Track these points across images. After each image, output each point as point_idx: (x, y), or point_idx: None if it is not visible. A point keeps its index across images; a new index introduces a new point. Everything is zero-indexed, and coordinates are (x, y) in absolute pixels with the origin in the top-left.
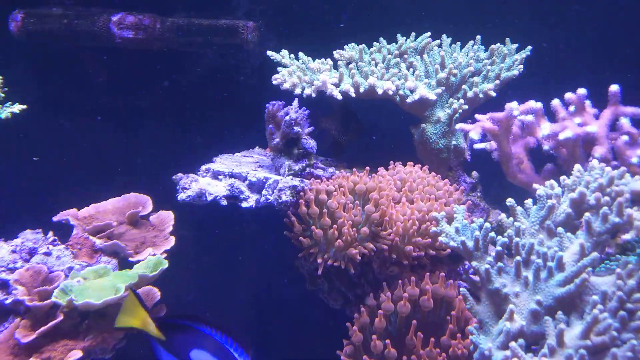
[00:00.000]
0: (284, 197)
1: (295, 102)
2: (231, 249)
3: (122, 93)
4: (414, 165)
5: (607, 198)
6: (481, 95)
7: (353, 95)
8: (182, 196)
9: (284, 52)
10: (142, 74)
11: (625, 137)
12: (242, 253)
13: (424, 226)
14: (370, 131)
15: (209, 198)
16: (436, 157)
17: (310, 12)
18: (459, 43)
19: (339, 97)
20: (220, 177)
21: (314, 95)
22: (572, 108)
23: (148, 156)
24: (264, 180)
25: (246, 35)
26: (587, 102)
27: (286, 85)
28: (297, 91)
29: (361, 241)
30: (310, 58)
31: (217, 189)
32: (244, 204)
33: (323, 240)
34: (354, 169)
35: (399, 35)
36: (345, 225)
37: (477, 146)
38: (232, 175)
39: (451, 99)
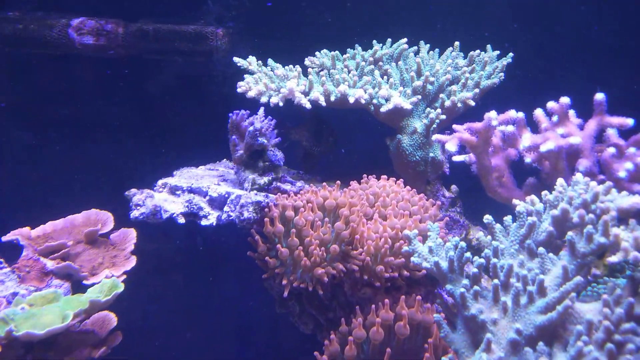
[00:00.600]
0: (246, 214)
1: (261, 111)
2: (192, 269)
3: (83, 102)
4: (388, 179)
5: (591, 216)
6: (460, 105)
7: (323, 104)
8: (135, 214)
9: (251, 58)
10: (105, 82)
11: (612, 150)
12: (204, 274)
13: (397, 244)
14: (346, 142)
15: (165, 216)
16: (413, 170)
17: (287, 18)
18: (437, 50)
19: (308, 105)
20: (178, 192)
21: (281, 104)
22: (555, 118)
23: (111, 169)
24: (226, 195)
25: (215, 42)
26: (571, 112)
27: (251, 94)
28: (263, 100)
29: (330, 261)
30: (280, 65)
31: (174, 206)
32: (204, 222)
33: (289, 260)
34: (324, 184)
35: (374, 41)
36: (312, 244)
37: (456, 158)
38: (191, 191)
39: (428, 109)
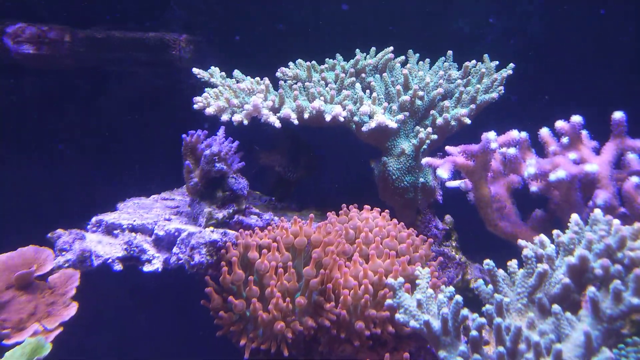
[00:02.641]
0: (197, 258)
1: (221, 132)
2: (133, 327)
3: (21, 120)
4: (372, 210)
5: (618, 267)
6: (453, 123)
7: (295, 122)
8: (59, 260)
9: (214, 69)
10: (49, 97)
11: (635, 179)
12: (148, 330)
13: (381, 293)
14: (327, 166)
15: (97, 262)
16: (401, 198)
17: (262, 25)
18: (428, 60)
19: (277, 124)
20: (116, 231)
21: (245, 122)
22: (565, 140)
23: (55, 197)
24: (176, 233)
25: (178, 50)
26: (584, 133)
27: (210, 110)
28: (225, 118)
29: (299, 315)
30: (246, 77)
31: (109, 249)
32: (147, 267)
33: (250, 315)
34: (295, 217)
35: (357, 50)
36: (274, 295)
37: (450, 184)
38: (132, 229)
39: (417, 127)
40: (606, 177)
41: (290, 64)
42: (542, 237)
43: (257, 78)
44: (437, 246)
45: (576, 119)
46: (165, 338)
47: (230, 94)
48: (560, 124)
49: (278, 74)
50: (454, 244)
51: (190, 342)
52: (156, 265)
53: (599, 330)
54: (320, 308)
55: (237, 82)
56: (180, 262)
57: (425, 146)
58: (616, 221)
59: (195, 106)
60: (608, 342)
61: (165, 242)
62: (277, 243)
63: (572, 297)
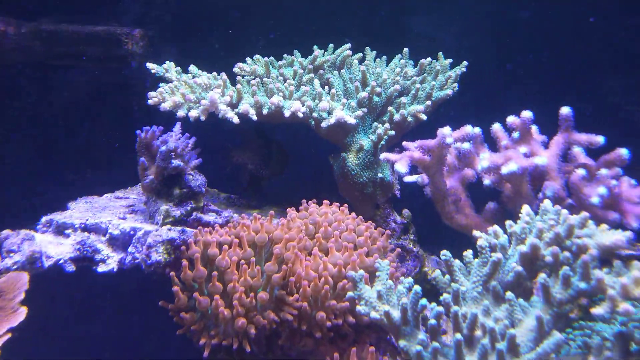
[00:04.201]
0: (154, 256)
1: (177, 128)
2: (90, 328)
3: None
4: (330, 205)
5: (567, 254)
6: (410, 119)
7: (254, 117)
8: (6, 263)
9: (169, 64)
10: None
11: (581, 171)
12: (103, 333)
13: (340, 284)
14: (300, 163)
15: (48, 263)
16: (360, 193)
17: (219, 20)
18: (384, 57)
19: (235, 120)
20: (68, 231)
21: (203, 117)
22: (516, 134)
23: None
24: (131, 232)
25: (131, 45)
26: (534, 128)
27: (165, 106)
28: (181, 113)
29: (261, 310)
30: (203, 72)
31: (60, 249)
32: (101, 268)
33: (211, 312)
34: (255, 214)
35: (315, 47)
36: (236, 291)
37: (408, 179)
38: (85, 228)
39: (376, 123)
40: (555, 169)
41: (248, 59)
42: (496, 227)
43: (214, 73)
44: (395, 239)
45: (526, 114)
46: (122, 340)
47: (186, 89)
48: (511, 119)
49: (235, 69)
50: (411, 237)
51: (148, 343)
52: (111, 265)
53: (550, 314)
54: (282, 302)
55: (194, 77)
56: (137, 261)
57: (383, 142)
58: (564, 211)
59: (150, 101)
60: (558, 325)
61: (120, 242)
62: (238, 239)
63: (525, 284)
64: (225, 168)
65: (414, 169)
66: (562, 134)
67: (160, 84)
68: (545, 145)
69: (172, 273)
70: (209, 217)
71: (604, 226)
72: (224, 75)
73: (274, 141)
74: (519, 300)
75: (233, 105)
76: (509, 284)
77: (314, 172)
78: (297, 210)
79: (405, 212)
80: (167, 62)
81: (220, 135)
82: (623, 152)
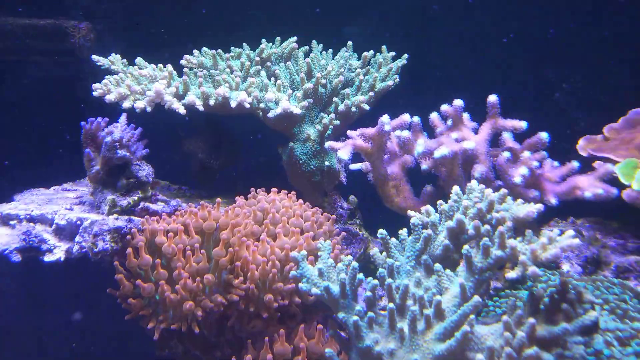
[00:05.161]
0: (101, 245)
1: (122, 119)
2: (37, 318)
3: None
4: (278, 192)
5: (487, 227)
6: (354, 109)
7: (201, 108)
8: None
9: (115, 56)
10: None
11: (506, 154)
12: (55, 323)
13: (287, 267)
14: (253, 153)
15: None
16: (308, 181)
17: (171, 13)
18: (330, 51)
19: (182, 110)
20: (13, 221)
21: (149, 108)
22: (449, 122)
23: None
24: (78, 222)
25: (78, 38)
26: (465, 115)
27: (110, 97)
28: (126, 105)
29: (209, 294)
30: (148, 64)
31: (6, 240)
32: (48, 257)
33: (159, 297)
34: (202, 202)
35: (263, 40)
36: (181, 277)
37: (353, 167)
38: (31, 219)
39: (322, 114)
40: (483, 153)
41: (195, 51)
42: (428, 207)
43: (160, 65)
44: (342, 224)
45: (457, 102)
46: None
47: (132, 81)
48: (444, 107)
49: (182, 61)
50: (358, 222)
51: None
52: (58, 254)
53: (472, 281)
54: (229, 285)
55: (140, 69)
56: (84, 250)
57: (329, 131)
58: (489, 190)
59: (94, 93)
60: (479, 290)
61: (67, 232)
62: (185, 227)
63: (452, 256)
64: (175, 157)
65: (354, 157)
66: (490, 120)
67: (106, 76)
68: (476, 131)
69: (116, 262)
70: (157, 206)
71: (519, 201)
72: (170, 67)
73: (225, 131)
74: (446, 270)
75: (180, 97)
76: (439, 257)
77: (265, 163)
78: (246, 199)
79: (352, 198)
80: (113, 54)
81: (171, 126)
82: (543, 135)
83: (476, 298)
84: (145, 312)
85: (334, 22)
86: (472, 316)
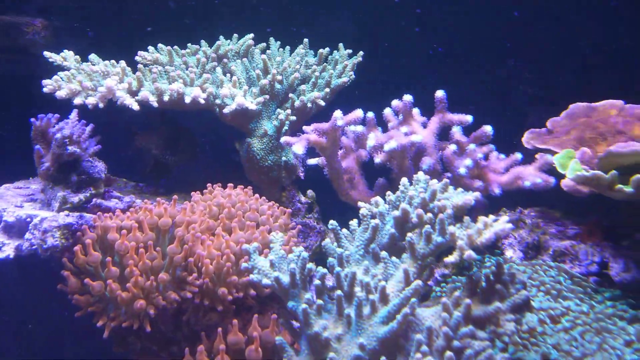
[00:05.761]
0: (50, 241)
1: (73, 115)
2: None
3: None
4: (235, 187)
5: (430, 215)
6: (310, 105)
7: (155, 104)
8: None
9: (67, 53)
10: None
11: (453, 147)
12: (3, 320)
13: (242, 261)
14: (211, 149)
15: None
16: (266, 176)
17: (130, 10)
18: (288, 48)
19: (135, 107)
20: None
21: (101, 105)
22: (400, 116)
23: None
24: (28, 219)
25: (32, 35)
26: (415, 110)
27: (61, 94)
28: (78, 101)
29: (163, 291)
30: (102, 60)
31: None
32: None
33: (108, 295)
34: (158, 199)
35: (221, 37)
36: (133, 275)
37: (310, 162)
38: None
39: (279, 110)
40: (431, 146)
41: (150, 48)
42: (377, 198)
43: (113, 61)
44: (300, 218)
45: (407, 98)
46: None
47: (84, 77)
48: (395, 102)
49: (137, 58)
50: (315, 216)
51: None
52: (7, 252)
53: (415, 267)
54: (183, 282)
55: (93, 65)
56: (34, 247)
57: (286, 127)
58: (434, 180)
59: (45, 89)
60: (422, 275)
61: (16, 229)
62: (139, 224)
63: (399, 244)
64: (128, 153)
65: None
66: (437, 114)
67: (58, 73)
68: (425, 126)
69: (65, 258)
70: (110, 203)
71: (460, 189)
72: (122, 63)
73: (182, 128)
74: (392, 258)
75: (134, 93)
76: (386, 245)
77: (224, 159)
78: (202, 194)
79: (310, 192)
80: (66, 50)
81: (128, 123)
82: (487, 128)
83: (417, 282)
84: (94, 309)
85: (299, 21)
86: (413, 299)
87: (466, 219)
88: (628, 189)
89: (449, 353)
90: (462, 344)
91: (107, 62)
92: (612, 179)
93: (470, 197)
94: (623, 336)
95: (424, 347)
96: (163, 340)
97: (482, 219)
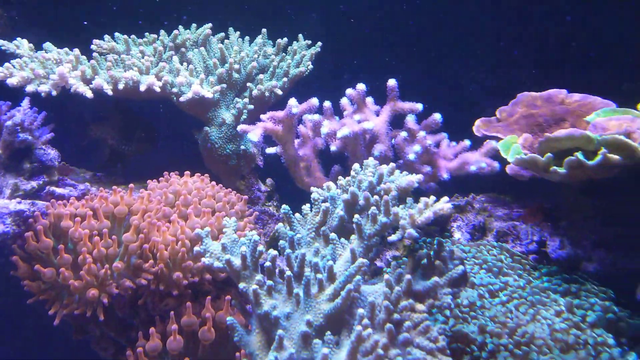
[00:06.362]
0: (1, 228)
1: (25, 102)
2: None
3: None
4: (192, 176)
5: (376, 197)
6: (268, 94)
7: (110, 92)
8: None
9: (21, 41)
10: None
11: (403, 134)
12: None
13: (197, 246)
14: (171, 139)
15: None
16: (225, 165)
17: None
18: (247, 38)
19: (88, 94)
20: None
21: (54, 92)
22: (355, 105)
23: None
24: None
25: None
26: (369, 99)
27: (12, 81)
28: (30, 89)
29: (118, 279)
30: (55, 48)
31: None
32: None
33: (61, 282)
34: (114, 187)
35: (181, 27)
36: (86, 262)
37: (269, 150)
38: None
39: (237, 99)
40: (384, 133)
41: (107, 36)
42: (329, 182)
43: (66, 49)
44: (260, 206)
45: (360, 87)
46: None
47: (37, 65)
48: (349, 91)
49: (93, 46)
50: (275, 204)
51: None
52: None
53: (362, 247)
54: (139, 269)
55: (46, 53)
56: None
57: (245, 116)
58: (384, 166)
59: None
60: (369, 255)
61: None
62: (94, 212)
63: (348, 226)
64: (82, 142)
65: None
66: (389, 103)
67: (10, 60)
68: (378, 114)
69: (15, 245)
70: (64, 191)
71: (405, 172)
72: (76, 51)
73: (138, 117)
74: (341, 239)
75: (88, 81)
76: (336, 227)
77: (183, 148)
78: (159, 182)
79: (269, 181)
80: (19, 39)
81: (80, 113)
82: (437, 116)
83: (360, 260)
84: (46, 296)
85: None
86: (357, 277)
87: (409, 200)
88: (561, 170)
89: (388, 325)
90: (401, 317)
91: (60, 50)
92: (547, 161)
93: (412, 179)
94: (555, 307)
95: (366, 321)
96: (121, 327)
97: (423, 199)
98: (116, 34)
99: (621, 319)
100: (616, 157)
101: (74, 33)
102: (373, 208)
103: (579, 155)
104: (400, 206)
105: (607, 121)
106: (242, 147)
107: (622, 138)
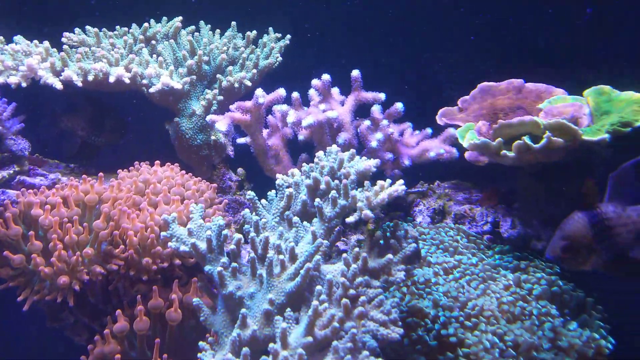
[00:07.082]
0: None
1: None
2: None
3: None
4: (162, 165)
5: (337, 182)
6: (237, 85)
7: (79, 84)
8: None
9: None
10: None
11: (367, 122)
12: None
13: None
14: (142, 130)
15: None
16: (196, 155)
17: None
18: (218, 31)
19: (58, 85)
20: None
21: (24, 84)
22: (321, 95)
23: None
24: None
25: None
26: (335, 89)
27: None
28: (0, 80)
29: (88, 265)
30: (24, 40)
31: None
32: None
33: (32, 268)
34: (84, 176)
35: (152, 20)
36: (56, 249)
37: (240, 141)
38: None
39: (207, 90)
40: (348, 122)
41: (77, 29)
42: (293, 169)
43: (36, 41)
44: (231, 195)
45: (325, 77)
46: None
47: (6, 57)
48: (315, 82)
49: (63, 39)
50: (246, 193)
51: None
52: None
53: (323, 229)
54: (109, 256)
55: (17, 44)
56: None
57: (215, 107)
58: (347, 152)
59: None
60: (330, 237)
61: None
62: (65, 200)
63: (312, 211)
64: (52, 133)
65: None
66: (353, 92)
67: None
68: (343, 103)
69: None
70: (35, 180)
71: (364, 158)
72: (46, 43)
73: (109, 108)
74: (304, 223)
75: (57, 73)
76: (300, 212)
77: (155, 139)
78: (129, 172)
79: (240, 170)
80: None
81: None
82: (399, 105)
83: (319, 240)
84: (16, 283)
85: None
86: (317, 256)
87: (367, 183)
88: (511, 153)
89: (345, 300)
90: (357, 292)
91: (29, 42)
92: (498, 145)
93: (370, 163)
94: (504, 282)
95: (323, 296)
96: (94, 312)
97: (379, 182)
98: (87, 27)
99: (565, 292)
100: (560, 140)
101: (47, 26)
102: (333, 192)
103: (525, 139)
104: (359, 189)
105: (558, 108)
106: (213, 137)
107: (565, 122)
